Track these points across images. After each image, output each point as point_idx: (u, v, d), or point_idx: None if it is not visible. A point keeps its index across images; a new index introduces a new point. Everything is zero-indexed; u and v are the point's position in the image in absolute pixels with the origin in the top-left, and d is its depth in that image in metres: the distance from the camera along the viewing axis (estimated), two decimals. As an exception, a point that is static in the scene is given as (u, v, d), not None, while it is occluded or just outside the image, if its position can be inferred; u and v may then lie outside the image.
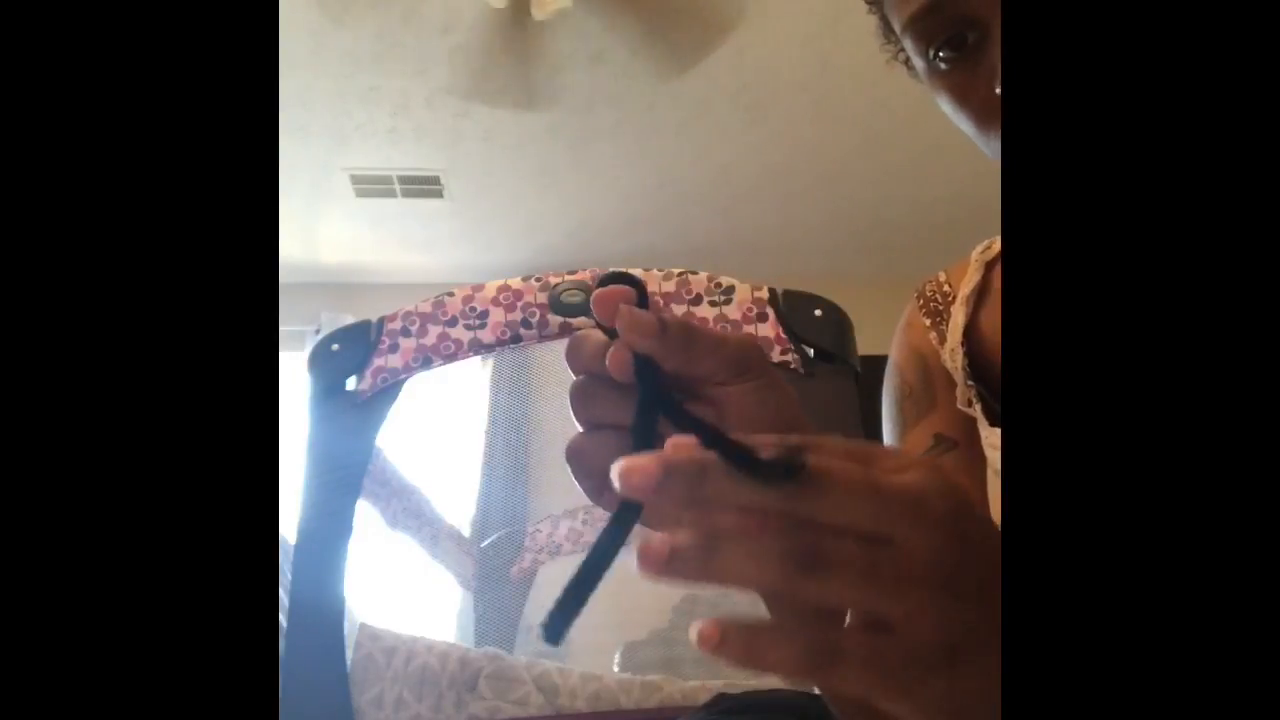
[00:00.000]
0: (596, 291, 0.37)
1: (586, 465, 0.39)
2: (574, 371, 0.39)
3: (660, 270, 1.30)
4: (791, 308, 1.26)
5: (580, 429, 0.39)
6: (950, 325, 0.76)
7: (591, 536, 2.35)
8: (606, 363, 0.37)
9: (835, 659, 0.29)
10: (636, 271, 1.30)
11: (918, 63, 0.60)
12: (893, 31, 0.62)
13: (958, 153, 3.10)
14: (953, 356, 0.75)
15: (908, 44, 0.60)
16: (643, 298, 0.39)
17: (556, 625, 0.31)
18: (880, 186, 3.42)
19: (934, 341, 0.77)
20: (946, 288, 0.78)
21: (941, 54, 0.57)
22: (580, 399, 0.39)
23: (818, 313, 1.25)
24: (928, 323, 0.78)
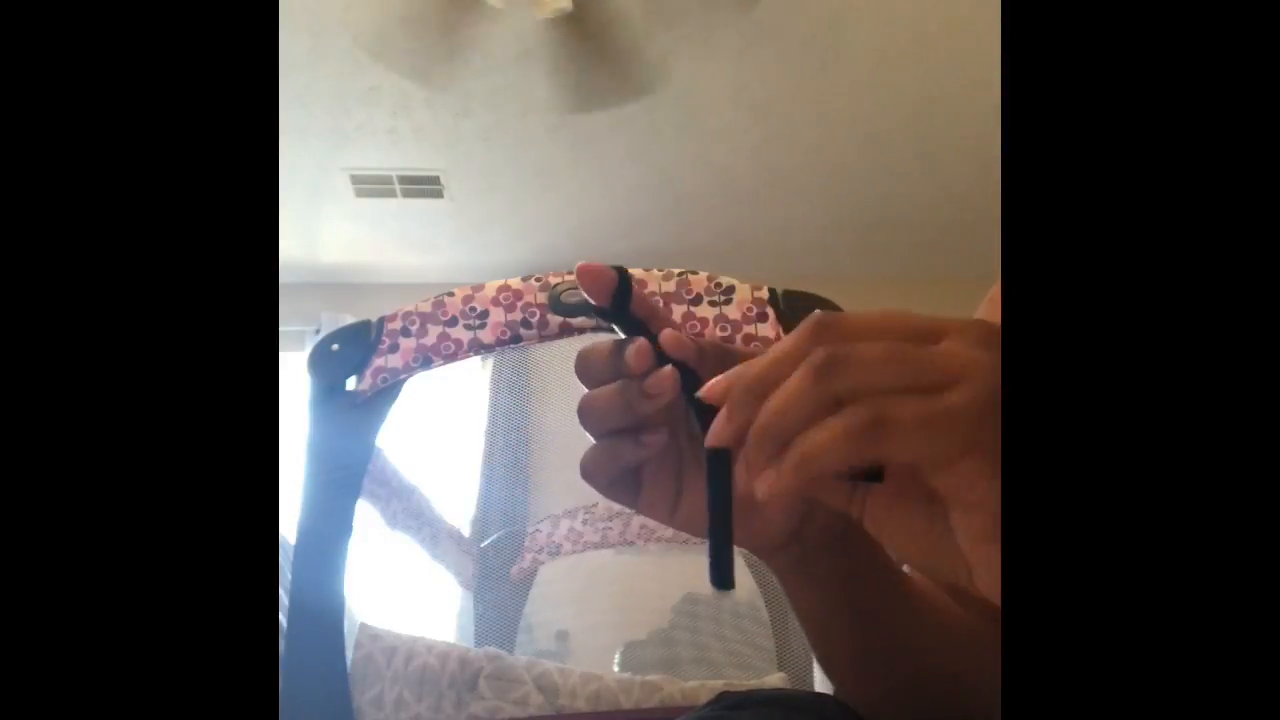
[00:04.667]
0: (580, 265, 0.38)
1: (606, 471, 0.40)
2: (587, 385, 0.40)
3: (660, 270, 1.30)
4: (791, 308, 1.26)
5: (593, 440, 0.40)
6: None
7: (592, 536, 2.34)
8: (627, 359, 0.38)
9: (883, 428, 0.32)
10: (636, 271, 1.30)
11: None
12: None
13: (958, 153, 3.11)
14: None
15: None
16: (627, 289, 0.39)
17: (722, 572, 0.35)
18: (881, 187, 3.41)
19: None
20: None
21: None
22: (594, 412, 0.39)
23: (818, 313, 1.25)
24: None
